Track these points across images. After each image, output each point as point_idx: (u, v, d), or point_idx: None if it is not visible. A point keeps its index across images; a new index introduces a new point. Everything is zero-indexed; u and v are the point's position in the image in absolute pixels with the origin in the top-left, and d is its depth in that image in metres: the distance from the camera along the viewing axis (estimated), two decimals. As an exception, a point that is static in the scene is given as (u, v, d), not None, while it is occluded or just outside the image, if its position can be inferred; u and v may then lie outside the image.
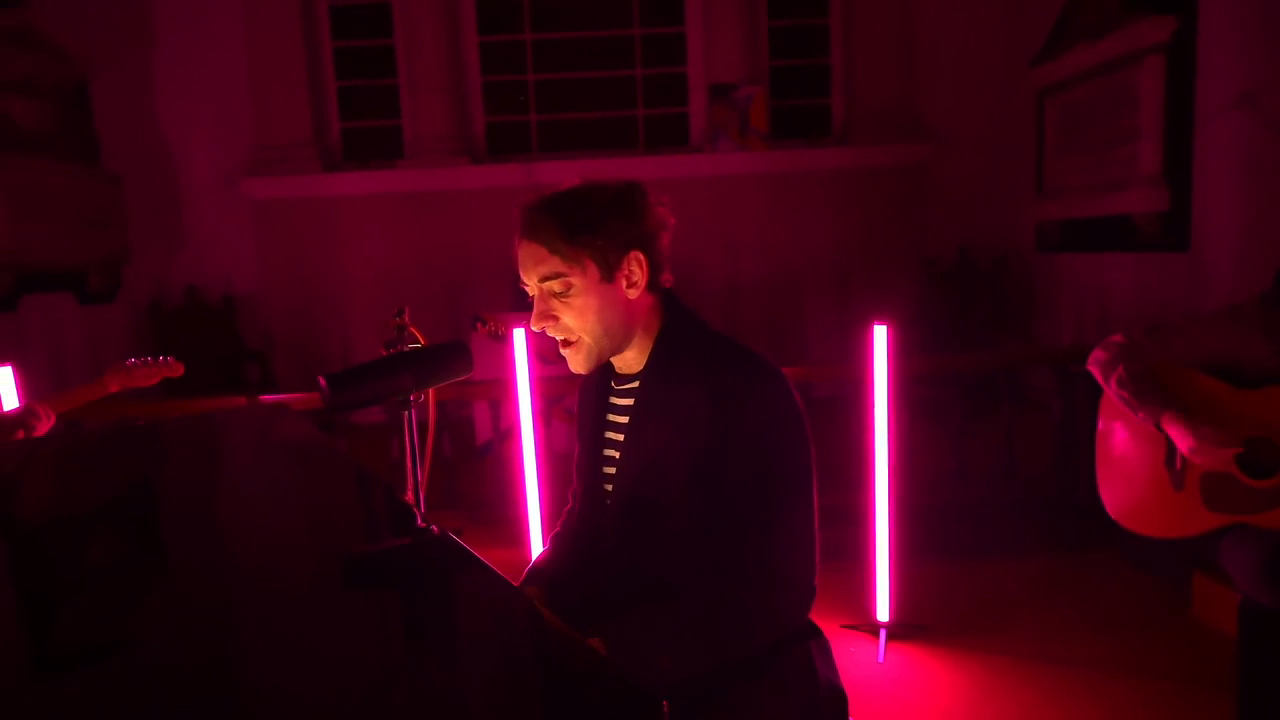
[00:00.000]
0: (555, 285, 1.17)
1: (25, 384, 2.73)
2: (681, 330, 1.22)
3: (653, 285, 1.21)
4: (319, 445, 1.57)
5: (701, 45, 5.91)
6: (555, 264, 1.17)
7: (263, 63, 5.64)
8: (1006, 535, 3.30)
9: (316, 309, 5.79)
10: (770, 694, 1.13)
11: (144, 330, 5.37)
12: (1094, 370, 1.99)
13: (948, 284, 5.61)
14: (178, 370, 1.91)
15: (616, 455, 1.26)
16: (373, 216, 5.76)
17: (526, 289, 1.23)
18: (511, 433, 3.90)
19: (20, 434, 1.74)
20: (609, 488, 1.27)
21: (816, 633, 1.22)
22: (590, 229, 1.15)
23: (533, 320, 1.21)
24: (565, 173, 5.18)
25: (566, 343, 1.21)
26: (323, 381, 0.98)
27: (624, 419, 1.25)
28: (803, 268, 5.82)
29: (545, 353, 4.24)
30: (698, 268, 5.61)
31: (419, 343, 1.38)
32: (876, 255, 5.76)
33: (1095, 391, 3.27)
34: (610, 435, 1.28)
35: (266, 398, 3.39)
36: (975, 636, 2.59)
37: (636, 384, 1.24)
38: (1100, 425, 2.02)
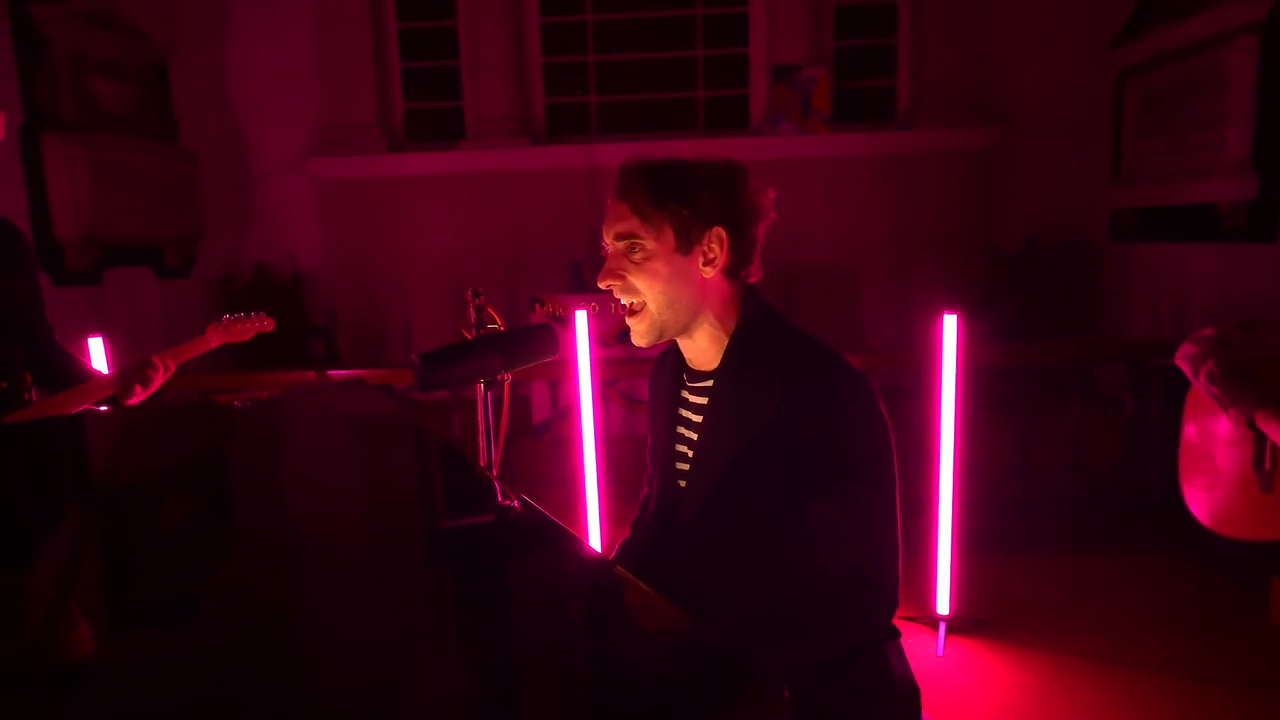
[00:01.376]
0: (631, 245, 1.16)
1: (111, 355, 2.86)
2: (760, 328, 1.19)
3: (733, 271, 1.18)
4: (403, 421, 1.60)
5: (764, 25, 5.82)
6: (634, 224, 1.15)
7: (331, 45, 5.75)
8: (1072, 531, 3.22)
9: (378, 287, 5.91)
10: (850, 695, 1.12)
11: (217, 304, 5.56)
12: (1182, 364, 1.92)
13: (1014, 272, 5.46)
14: (269, 325, 1.99)
15: (689, 453, 1.24)
16: (434, 197, 5.85)
17: (604, 247, 1.21)
18: (569, 412, 3.94)
19: (138, 387, 1.80)
20: (682, 484, 1.26)
21: (895, 633, 1.21)
22: (678, 197, 1.13)
23: (600, 276, 1.19)
24: (624, 154, 5.17)
25: (632, 311, 1.19)
26: (416, 359, 1.01)
27: (697, 418, 1.24)
28: (862, 254, 5.73)
29: (603, 335, 4.26)
30: (756, 252, 5.55)
31: (496, 324, 1.41)
32: (939, 242, 5.62)
33: (1172, 387, 3.16)
34: (682, 431, 1.26)
35: (335, 373, 3.49)
36: (1037, 633, 2.54)
37: (710, 383, 1.22)
38: (1185, 423, 1.95)
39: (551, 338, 1.06)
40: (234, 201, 5.76)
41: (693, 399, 1.25)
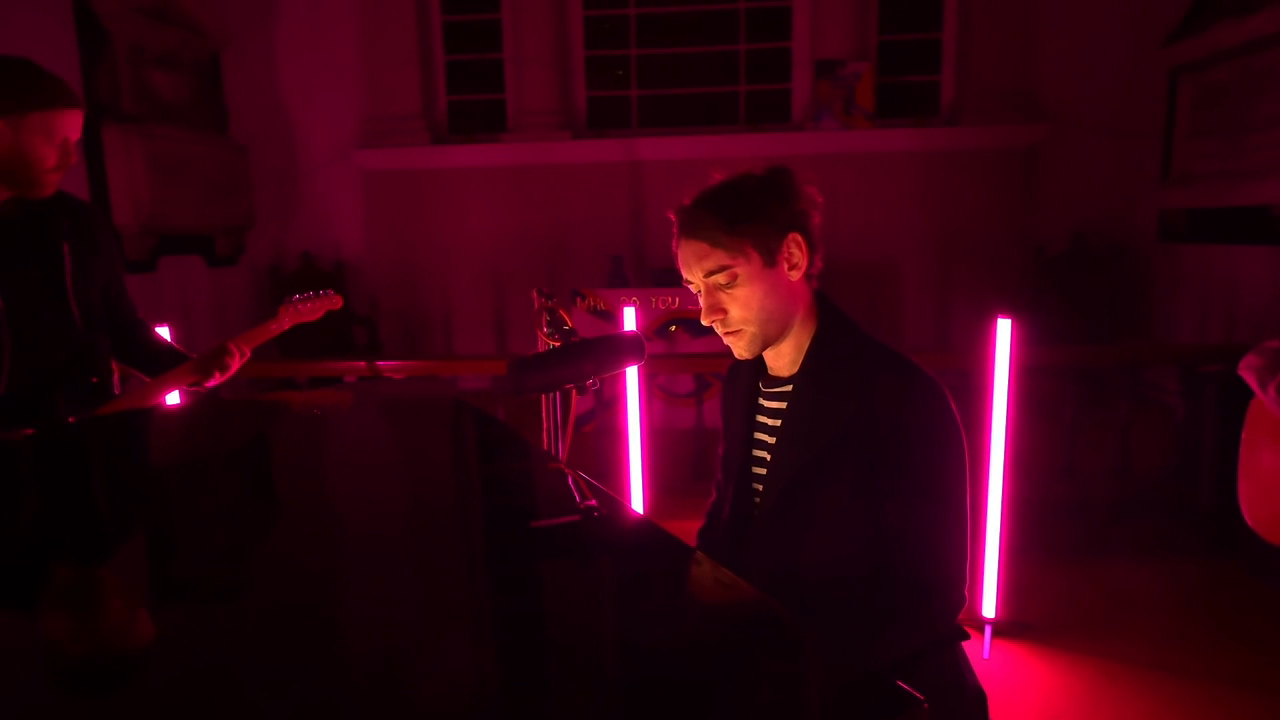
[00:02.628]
0: (721, 278, 1.19)
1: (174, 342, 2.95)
2: (837, 336, 1.23)
3: (811, 267, 1.23)
4: (500, 428, 1.65)
5: (808, 20, 5.78)
6: (720, 257, 1.19)
7: (376, 38, 5.81)
8: (1119, 536, 3.20)
9: (420, 277, 5.99)
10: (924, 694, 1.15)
11: (264, 292, 5.68)
12: (1247, 375, 1.91)
13: (1058, 272, 5.39)
14: (338, 302, 2.00)
15: (767, 457, 1.27)
16: (476, 188, 5.91)
17: (690, 286, 1.25)
18: (612, 404, 3.99)
19: (217, 373, 1.84)
20: (759, 486, 1.29)
21: (964, 635, 1.23)
22: (748, 217, 1.17)
23: (703, 315, 1.24)
24: (665, 148, 5.23)
25: (730, 331, 1.23)
26: (510, 365, 1.05)
27: (774, 422, 1.27)
28: (903, 251, 5.69)
29: (645, 331, 4.30)
30: (795, 248, 5.54)
31: (568, 324, 1.44)
32: (982, 240, 5.57)
33: (1225, 394, 3.12)
34: (760, 437, 1.30)
35: (384, 364, 3.56)
36: (1085, 639, 2.53)
37: (789, 388, 1.25)
38: (1246, 433, 1.94)
39: (638, 345, 1.10)
40: (281, 191, 5.86)
41: (770, 404, 1.29)
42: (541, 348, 1.84)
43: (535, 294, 1.87)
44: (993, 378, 2.45)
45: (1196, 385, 3.34)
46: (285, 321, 1.94)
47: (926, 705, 0.63)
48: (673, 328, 4.77)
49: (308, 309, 1.96)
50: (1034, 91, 5.49)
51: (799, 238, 1.20)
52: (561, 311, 1.48)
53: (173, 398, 2.25)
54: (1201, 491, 3.21)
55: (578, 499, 1.18)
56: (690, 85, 6.05)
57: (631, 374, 3.11)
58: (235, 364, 1.86)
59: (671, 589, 0.98)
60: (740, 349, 1.24)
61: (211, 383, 1.85)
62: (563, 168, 5.84)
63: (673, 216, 1.24)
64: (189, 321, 4.95)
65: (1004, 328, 2.42)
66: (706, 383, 4.11)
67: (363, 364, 3.60)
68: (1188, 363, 3.37)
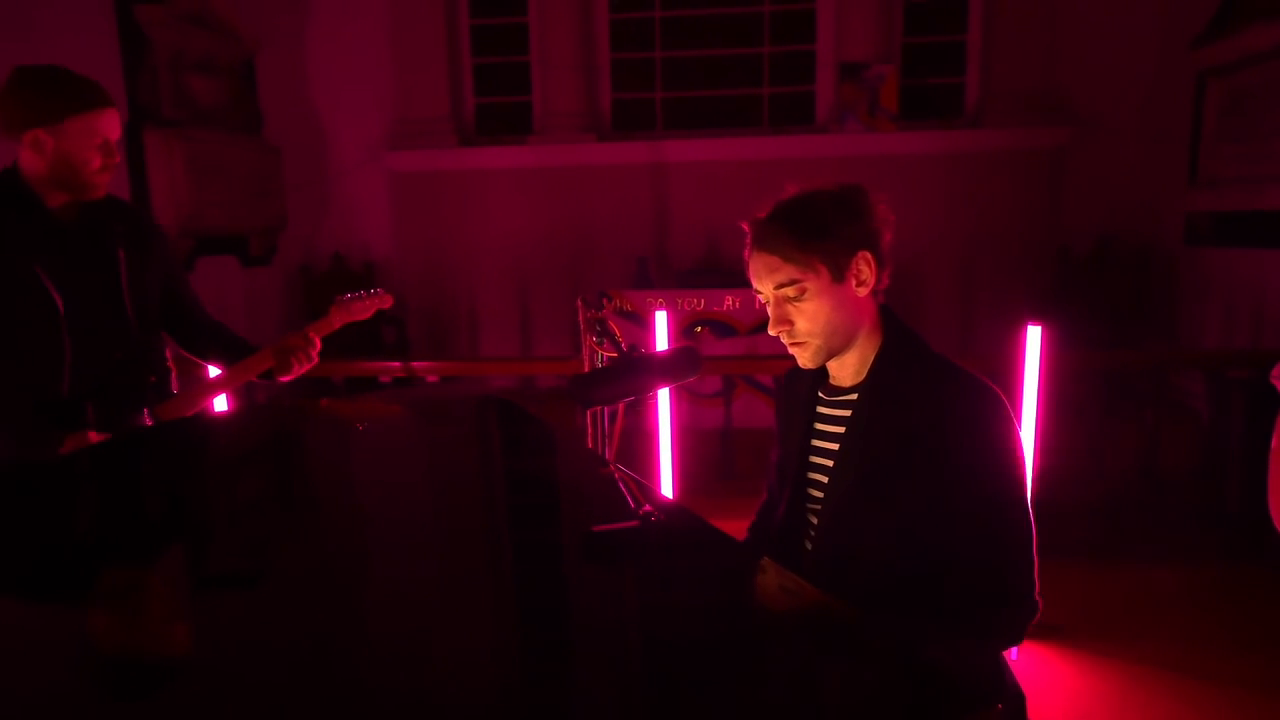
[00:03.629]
0: (791, 291, 1.23)
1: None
2: (902, 348, 1.27)
3: (879, 283, 1.26)
4: (549, 430, 1.71)
5: (832, 22, 5.81)
6: (790, 271, 1.23)
7: (406, 41, 5.90)
8: (1146, 539, 3.22)
9: (447, 277, 6.07)
10: None
11: (295, 292, 5.79)
12: (1278, 384, 1.94)
13: (1083, 275, 5.39)
14: (388, 301, 2.03)
15: (826, 464, 1.31)
16: (502, 190, 5.99)
17: (759, 296, 1.30)
18: (639, 403, 4.05)
19: (295, 363, 1.89)
20: (817, 494, 1.32)
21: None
22: (820, 234, 1.21)
23: (770, 326, 1.28)
24: (690, 150, 5.25)
25: (796, 342, 1.28)
26: (573, 381, 1.11)
27: (836, 429, 1.30)
28: (928, 253, 5.70)
29: (672, 332, 4.36)
30: (819, 250, 5.58)
31: (617, 335, 1.51)
32: (1007, 242, 5.58)
33: (1253, 400, 3.14)
34: (819, 444, 1.33)
35: (419, 364, 3.64)
36: (1112, 641, 2.57)
37: (854, 396, 1.29)
38: (1276, 440, 1.97)
39: (696, 359, 1.15)
40: (312, 192, 5.97)
41: (831, 412, 1.33)
42: (587, 355, 1.90)
43: (580, 303, 1.94)
44: (1023, 383, 2.49)
45: (1224, 390, 3.36)
46: (336, 321, 1.97)
47: (1000, 706, 0.68)
48: (698, 329, 4.83)
49: (359, 308, 1.99)
50: (1059, 93, 5.49)
51: (868, 255, 1.23)
52: (613, 324, 1.55)
53: (216, 404, 2.32)
54: (1228, 496, 3.23)
55: (632, 504, 1.24)
56: (714, 88, 6.10)
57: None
58: (316, 355, 1.90)
59: (738, 591, 1.04)
60: (805, 359, 1.29)
61: (289, 376, 1.89)
62: (588, 169, 5.90)
63: (746, 227, 1.29)
64: (224, 320, 5.06)
65: (1034, 334, 2.46)
66: (733, 383, 4.17)
67: (397, 364, 3.68)
68: (1217, 368, 3.39)
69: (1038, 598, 1.22)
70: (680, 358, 1.14)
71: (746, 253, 1.29)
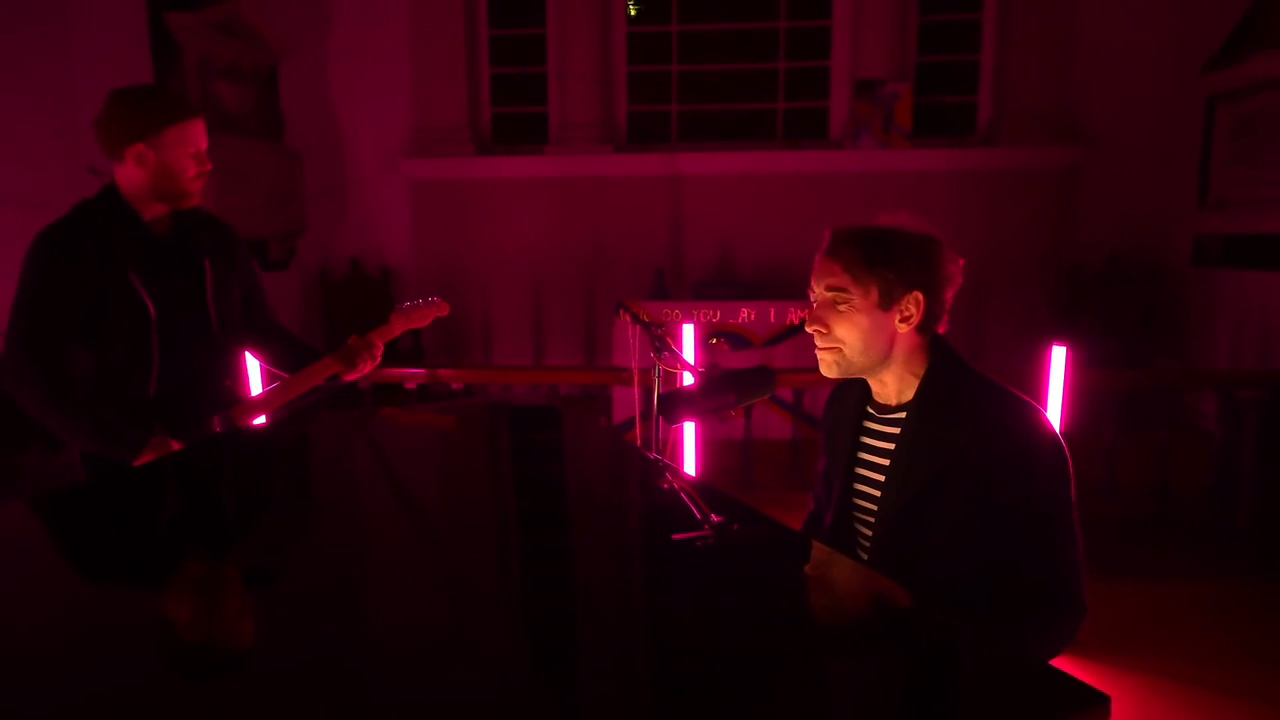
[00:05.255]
0: (837, 297, 1.32)
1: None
2: (950, 371, 1.36)
3: (924, 327, 1.34)
4: (605, 437, 1.78)
5: (848, 40, 5.89)
6: (845, 280, 1.31)
7: (425, 50, 5.97)
8: (1159, 556, 3.28)
9: (462, 285, 6.12)
10: None
11: (313, 296, 5.84)
12: None
13: (1093, 293, 5.47)
14: (444, 310, 2.05)
15: (876, 478, 1.38)
16: (519, 199, 6.05)
17: (810, 292, 1.38)
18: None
19: (361, 365, 1.93)
20: (867, 505, 1.40)
21: None
22: (885, 263, 1.30)
23: (808, 322, 1.36)
24: (705, 163, 5.35)
25: (825, 347, 1.35)
26: (663, 401, 1.17)
27: (885, 445, 1.38)
28: (938, 268, 5.78)
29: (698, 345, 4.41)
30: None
31: (676, 351, 1.56)
32: (1018, 259, 5.65)
33: (1264, 420, 3.20)
34: (867, 458, 1.41)
35: (445, 372, 3.69)
36: (1128, 656, 2.62)
37: (902, 415, 1.37)
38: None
39: (772, 378, 1.22)
40: (331, 198, 6.03)
41: (881, 429, 1.40)
42: (637, 369, 1.96)
43: (626, 315, 1.99)
44: (1044, 402, 2.56)
45: (1235, 410, 3.43)
46: (396, 327, 2.03)
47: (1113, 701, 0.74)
48: (714, 340, 4.89)
49: (418, 315, 2.04)
50: (1072, 114, 5.58)
51: (920, 298, 1.32)
52: (668, 338, 1.60)
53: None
54: (1239, 513, 3.29)
55: (698, 515, 1.30)
56: (730, 101, 6.18)
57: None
58: (379, 355, 1.96)
59: (831, 593, 1.10)
60: (826, 365, 1.36)
61: (354, 375, 1.95)
62: (604, 180, 5.97)
63: (827, 233, 1.37)
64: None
65: (1059, 354, 2.52)
66: (751, 396, 4.22)
67: (423, 371, 3.74)
68: (1235, 388, 3.45)
69: (1086, 601, 1.29)
70: (757, 376, 1.20)
71: (818, 254, 1.37)
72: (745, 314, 4.90)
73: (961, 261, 1.36)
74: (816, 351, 1.37)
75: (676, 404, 1.17)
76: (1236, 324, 4.82)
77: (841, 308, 1.32)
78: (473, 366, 3.99)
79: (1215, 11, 4.86)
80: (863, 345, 1.33)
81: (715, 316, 4.92)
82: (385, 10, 5.95)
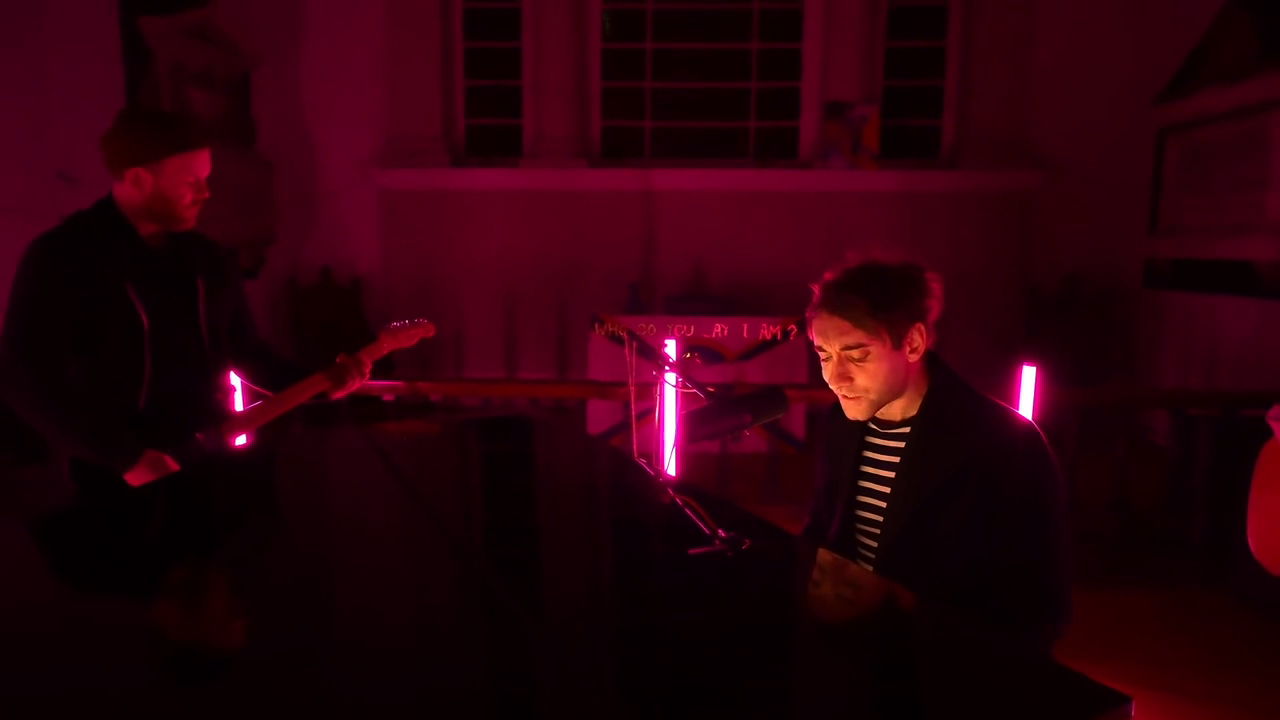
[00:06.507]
0: (856, 353, 1.38)
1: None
2: (949, 388, 1.44)
3: (925, 351, 1.42)
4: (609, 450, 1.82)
5: (818, 62, 6.05)
6: (859, 336, 1.37)
7: (400, 60, 5.96)
8: (1119, 567, 3.41)
9: (434, 296, 6.09)
10: None
11: (280, 305, 5.76)
12: (1274, 424, 2.11)
13: (1051, 313, 5.67)
14: (431, 331, 2.10)
15: (881, 490, 1.45)
16: (492, 211, 6.06)
17: (822, 353, 1.43)
18: (642, 418, 4.14)
19: (349, 382, 1.96)
20: (871, 517, 1.46)
21: None
22: (889, 306, 1.37)
23: (832, 380, 1.42)
24: (677, 179, 5.42)
25: (851, 398, 1.42)
26: (682, 418, 1.22)
27: (888, 459, 1.45)
28: (903, 286, 5.93)
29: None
30: (803, 278, 5.79)
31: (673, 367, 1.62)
32: (978, 280, 5.83)
33: (1217, 437, 3.37)
34: (871, 471, 1.48)
35: (424, 385, 3.68)
36: (1089, 662, 2.69)
37: (906, 430, 1.44)
38: (1258, 474, 2.14)
39: (784, 398, 1.28)
40: (301, 206, 5.96)
41: (883, 443, 1.47)
42: (633, 384, 2.01)
43: (627, 336, 2.04)
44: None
45: (1188, 427, 3.60)
46: (384, 347, 2.05)
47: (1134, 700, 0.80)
48: (689, 355, 4.96)
49: (405, 336, 2.07)
50: (1030, 140, 5.81)
51: (922, 327, 1.40)
52: (695, 357, 1.65)
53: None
54: (1195, 526, 3.45)
55: (706, 530, 1.35)
56: (702, 119, 6.28)
57: (670, 399, 3.28)
58: (367, 374, 1.98)
59: (851, 602, 1.15)
60: (857, 412, 1.42)
61: (341, 393, 1.97)
62: (578, 194, 6.01)
63: (816, 290, 1.42)
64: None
65: (1029, 374, 2.63)
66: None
67: (401, 384, 3.73)
68: (1189, 406, 3.62)
69: (1072, 609, 1.38)
70: (773, 398, 1.26)
71: (811, 311, 1.43)
72: (719, 329, 4.99)
73: (940, 278, 1.44)
74: (842, 401, 1.43)
75: (697, 424, 1.22)
76: (1184, 343, 5.06)
77: (862, 362, 1.38)
78: (452, 379, 3.99)
79: (1166, 46, 5.12)
80: (888, 386, 1.40)
81: (689, 331, 4.99)
82: (360, 20, 5.93)
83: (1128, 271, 5.56)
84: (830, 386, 1.43)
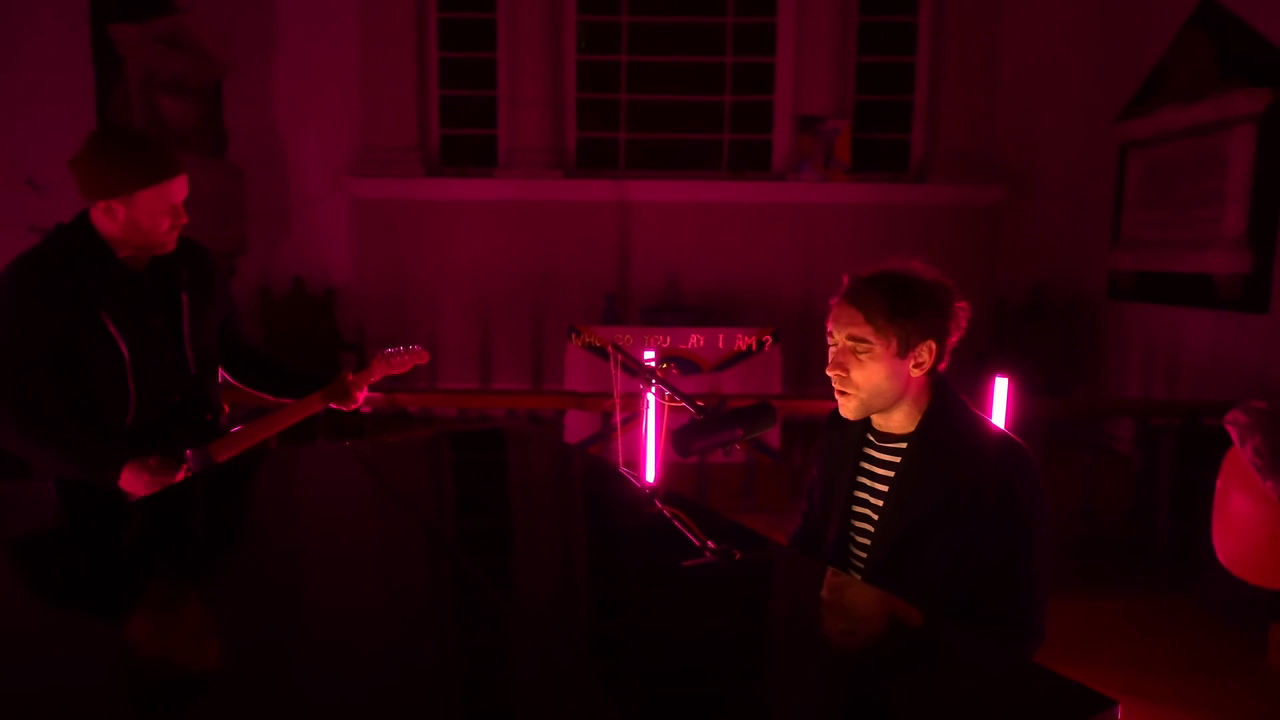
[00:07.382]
0: (859, 346, 1.40)
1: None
2: (950, 409, 1.45)
3: (931, 370, 1.44)
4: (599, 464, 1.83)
5: (791, 76, 6.13)
6: (867, 331, 1.39)
7: (374, 70, 5.94)
8: (1086, 573, 3.49)
9: (408, 306, 6.07)
10: None
11: (253, 315, 5.69)
12: (1230, 429, 2.20)
13: (1017, 324, 5.80)
14: (425, 358, 2.09)
15: (879, 504, 1.47)
16: (467, 221, 6.05)
17: (830, 339, 1.45)
18: (625, 424, 4.15)
19: (350, 402, 1.97)
20: (864, 526, 1.48)
21: None
22: (906, 314, 1.38)
23: (829, 366, 1.45)
24: (652, 190, 5.51)
25: (843, 392, 1.44)
26: (674, 434, 1.24)
27: (886, 472, 1.47)
28: (875, 297, 6.03)
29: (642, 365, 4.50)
30: (776, 288, 5.86)
31: (674, 386, 1.64)
32: (948, 290, 5.95)
33: (1179, 446, 3.47)
34: (866, 482, 1.50)
35: (402, 396, 3.66)
36: (1061, 666, 2.79)
37: (903, 445, 1.46)
38: (1221, 481, 2.23)
39: (773, 413, 1.30)
40: (274, 216, 5.90)
41: (880, 456, 1.49)
42: (618, 397, 2.02)
43: (612, 349, 2.07)
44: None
45: (1151, 436, 3.70)
46: (376, 372, 2.05)
47: (1120, 705, 0.83)
48: (665, 365, 4.98)
49: (398, 362, 2.07)
50: (997, 154, 5.94)
51: (933, 345, 1.41)
52: (670, 368, 1.68)
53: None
54: (1158, 533, 3.55)
55: (696, 542, 1.37)
56: (676, 131, 6.34)
57: (652, 409, 3.30)
58: (361, 399, 1.99)
59: (844, 612, 1.18)
60: (847, 408, 1.45)
61: (349, 407, 1.99)
62: (553, 204, 6.03)
63: (845, 279, 1.45)
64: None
65: (1002, 385, 2.69)
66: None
67: (380, 395, 3.70)
68: (1155, 415, 3.72)
69: (1045, 631, 1.41)
70: (760, 412, 1.28)
71: (835, 299, 1.45)
72: (695, 339, 5.02)
73: (967, 305, 1.45)
74: (836, 394, 1.46)
75: (689, 437, 1.24)
76: (1147, 354, 5.20)
77: (861, 356, 1.40)
78: (431, 391, 3.97)
79: (1127, 65, 5.28)
80: (880, 390, 1.42)
81: (666, 342, 5.02)
82: (334, 28, 5.90)
83: (1092, 283, 5.71)
84: (827, 372, 1.44)
